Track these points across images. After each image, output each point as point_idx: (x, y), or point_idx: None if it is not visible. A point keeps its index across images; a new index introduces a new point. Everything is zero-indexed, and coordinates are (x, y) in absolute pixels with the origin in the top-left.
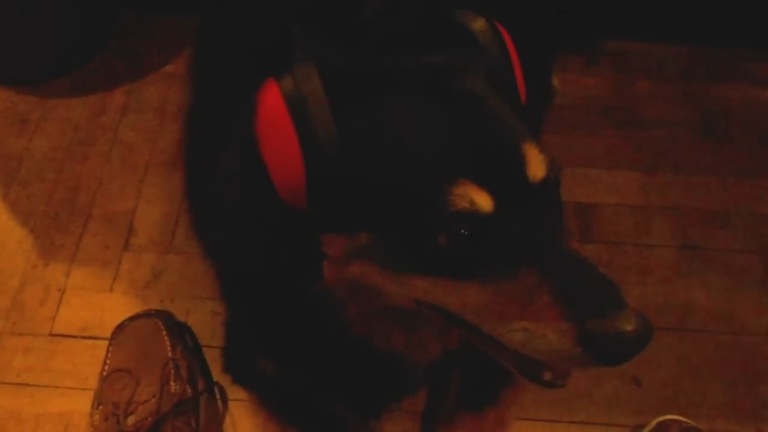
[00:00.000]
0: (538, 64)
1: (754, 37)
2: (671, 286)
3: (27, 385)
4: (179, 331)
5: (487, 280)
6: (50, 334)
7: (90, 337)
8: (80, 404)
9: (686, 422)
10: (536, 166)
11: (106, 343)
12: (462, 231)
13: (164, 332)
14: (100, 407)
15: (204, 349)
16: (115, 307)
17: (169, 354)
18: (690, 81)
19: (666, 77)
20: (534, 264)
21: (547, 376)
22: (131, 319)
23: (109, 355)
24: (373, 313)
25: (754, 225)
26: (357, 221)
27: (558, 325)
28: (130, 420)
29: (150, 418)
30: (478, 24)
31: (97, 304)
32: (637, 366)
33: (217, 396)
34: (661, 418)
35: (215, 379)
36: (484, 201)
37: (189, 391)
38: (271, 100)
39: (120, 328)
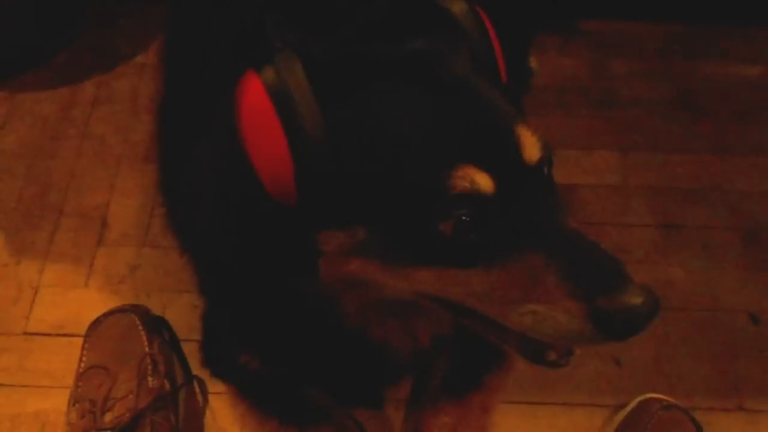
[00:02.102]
0: (516, 45)
1: (729, 14)
2: (651, 265)
3: (2, 385)
4: (156, 325)
5: (491, 265)
6: (24, 333)
7: (65, 335)
8: (57, 403)
9: (667, 400)
10: (531, 148)
11: (82, 340)
12: (463, 217)
13: (141, 327)
14: (77, 405)
15: (182, 343)
16: (90, 303)
17: (146, 349)
18: (666, 59)
19: (642, 56)
20: (537, 245)
21: (552, 356)
22: (107, 314)
23: (85, 351)
24: (369, 306)
25: (733, 202)
26: (352, 216)
27: (567, 305)
28: (107, 417)
29: (127, 414)
30: (459, 7)
31: (72, 300)
32: (617, 346)
33: (197, 390)
34: (642, 397)
35: (194, 372)
36: (485, 181)
37: (167, 385)
38: (253, 92)
39: (95, 324)
